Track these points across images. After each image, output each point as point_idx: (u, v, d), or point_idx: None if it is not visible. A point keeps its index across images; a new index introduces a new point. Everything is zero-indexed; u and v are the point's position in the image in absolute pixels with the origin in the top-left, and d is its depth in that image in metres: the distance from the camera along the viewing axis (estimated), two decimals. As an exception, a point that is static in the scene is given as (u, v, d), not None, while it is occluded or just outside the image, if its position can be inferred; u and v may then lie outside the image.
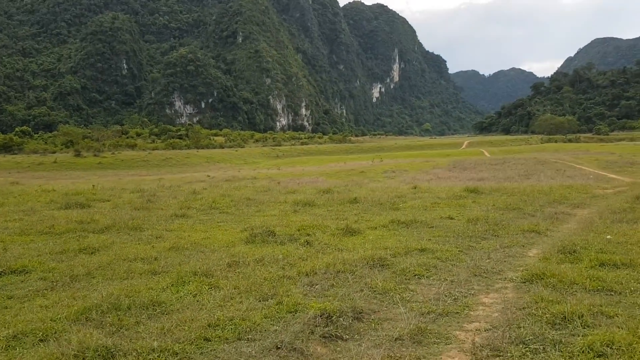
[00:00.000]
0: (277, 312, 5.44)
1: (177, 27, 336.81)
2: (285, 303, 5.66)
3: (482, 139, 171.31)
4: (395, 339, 4.68)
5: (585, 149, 76.11)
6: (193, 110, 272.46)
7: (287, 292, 6.10)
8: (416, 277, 6.90)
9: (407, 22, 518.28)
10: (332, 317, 5.04)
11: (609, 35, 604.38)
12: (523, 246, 8.82)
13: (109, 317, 5.27)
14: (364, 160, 69.56)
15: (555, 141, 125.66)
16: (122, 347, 4.39)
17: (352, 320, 5.10)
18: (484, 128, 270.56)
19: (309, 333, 4.76)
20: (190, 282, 6.66)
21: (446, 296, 5.98)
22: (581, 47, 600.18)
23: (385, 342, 4.66)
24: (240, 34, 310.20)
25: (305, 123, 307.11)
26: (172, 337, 4.70)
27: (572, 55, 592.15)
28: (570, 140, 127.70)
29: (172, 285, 6.60)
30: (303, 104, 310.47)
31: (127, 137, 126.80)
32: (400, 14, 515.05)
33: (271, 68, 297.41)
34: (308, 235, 10.28)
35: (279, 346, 4.47)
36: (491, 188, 19.62)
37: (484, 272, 7.03)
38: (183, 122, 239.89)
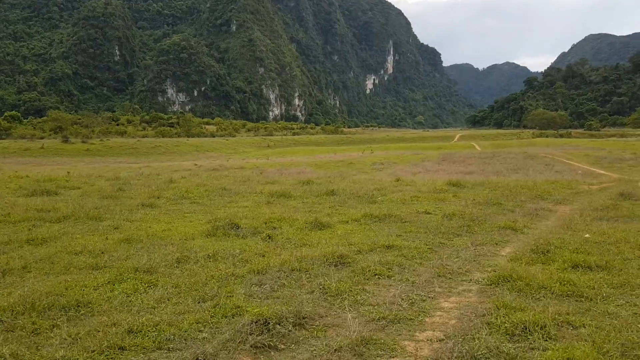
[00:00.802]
0: (212, 316, 4.93)
1: (170, 14, 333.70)
2: (223, 306, 5.15)
3: (474, 132, 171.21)
4: (335, 350, 4.18)
5: (576, 144, 76.02)
6: (185, 98, 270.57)
7: (229, 293, 5.58)
8: (376, 276, 6.42)
9: (403, 13, 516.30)
10: (269, 323, 4.52)
11: (603, 32, 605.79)
12: (496, 244, 8.36)
13: (22, 319, 4.75)
14: (354, 152, 69.07)
15: (547, 136, 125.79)
16: (22, 357, 3.87)
17: (292, 327, 4.60)
18: (476, 122, 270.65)
19: (239, 342, 4.26)
20: (129, 280, 6.14)
21: (403, 299, 5.50)
22: (575, 42, 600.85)
23: (323, 353, 4.17)
24: (235, 22, 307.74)
25: (298, 113, 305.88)
26: (83, 345, 4.19)
27: (566, 50, 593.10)
28: (561, 136, 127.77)
29: (109, 282, 6.08)
30: (296, 94, 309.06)
31: (118, 124, 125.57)
32: (395, 6, 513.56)
33: (265, 57, 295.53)
34: (274, 228, 9.79)
35: (198, 358, 3.96)
36: (475, 182, 19.18)
37: (450, 273, 6.56)
38: (175, 110, 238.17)
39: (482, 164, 40.48)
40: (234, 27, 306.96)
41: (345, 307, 5.22)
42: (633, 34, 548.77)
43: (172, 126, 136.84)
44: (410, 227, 9.91)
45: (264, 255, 7.38)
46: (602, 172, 32.84)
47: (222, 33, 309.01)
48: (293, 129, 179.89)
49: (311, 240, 8.56)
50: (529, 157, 46.31)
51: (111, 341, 4.27)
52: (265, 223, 10.24)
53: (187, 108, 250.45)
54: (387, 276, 6.45)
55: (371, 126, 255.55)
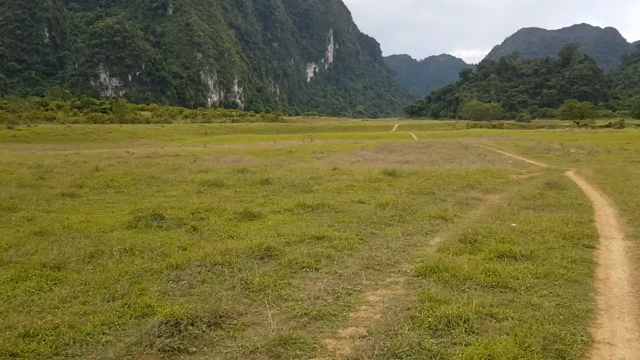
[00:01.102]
0: (120, 317, 4.54)
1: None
2: (133, 305, 4.77)
3: (412, 122, 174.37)
4: (250, 352, 3.90)
5: (508, 135, 78.87)
6: (119, 83, 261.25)
7: (142, 291, 5.19)
8: (303, 269, 6.19)
9: (343, 3, 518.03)
10: (180, 324, 4.19)
11: (535, 26, 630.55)
12: (426, 234, 8.32)
13: None
14: (294, 140, 68.79)
15: (480, 127, 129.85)
16: None
17: (206, 327, 4.27)
18: (414, 112, 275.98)
19: (145, 346, 3.91)
20: (33, 277, 5.63)
21: (328, 293, 5.29)
22: (508, 36, 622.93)
23: (237, 355, 3.88)
24: (171, 5, 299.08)
25: (238, 100, 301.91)
26: (-35, 353, 3.73)
27: (499, 44, 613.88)
28: (494, 126, 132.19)
29: (11, 280, 5.55)
30: (235, 81, 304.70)
31: (47, 110, 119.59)
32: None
33: (203, 42, 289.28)
34: (201, 219, 9.39)
35: (98, 365, 3.60)
36: (410, 171, 19.36)
37: (378, 264, 6.42)
38: (108, 95, 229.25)
39: (418, 153, 41.17)
40: (170, 11, 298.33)
41: (267, 304, 4.95)
42: (562, 28, 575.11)
43: (105, 112, 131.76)
44: (343, 217, 9.75)
45: (185, 249, 7.00)
46: (532, 161, 34.03)
47: (158, 17, 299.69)
48: (232, 116, 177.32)
49: (239, 232, 8.23)
50: (463, 147, 47.52)
51: (2, 347, 3.82)
52: (193, 214, 9.82)
53: (121, 93, 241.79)
54: (315, 269, 6.23)
55: (312, 115, 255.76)
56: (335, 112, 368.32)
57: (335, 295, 5.25)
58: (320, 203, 10.87)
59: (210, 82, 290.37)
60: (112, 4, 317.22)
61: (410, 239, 7.92)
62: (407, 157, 37.00)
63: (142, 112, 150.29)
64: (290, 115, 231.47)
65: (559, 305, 4.93)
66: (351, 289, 5.45)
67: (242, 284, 5.47)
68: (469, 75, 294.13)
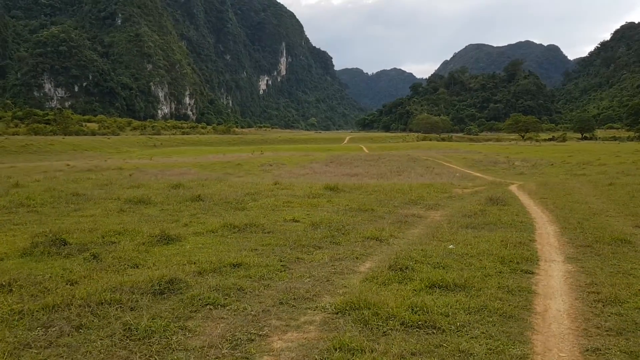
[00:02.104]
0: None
1: (49, 3, 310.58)
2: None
3: (363, 135, 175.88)
4: None
5: (456, 147, 79.98)
6: (65, 94, 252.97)
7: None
8: (207, 307, 5.35)
9: (295, 16, 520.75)
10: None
11: (482, 42, 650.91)
12: (357, 258, 7.61)
13: None
14: (244, 153, 67.72)
15: (430, 139, 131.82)
16: None
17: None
18: (366, 124, 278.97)
19: None
20: None
21: (227, 340, 4.47)
22: (456, 51, 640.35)
23: None
24: (120, 15, 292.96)
25: (189, 112, 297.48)
26: None
27: (448, 59, 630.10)
28: (443, 139, 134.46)
29: None
30: (187, 93, 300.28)
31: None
32: (288, 8, 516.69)
33: (153, 53, 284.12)
34: (110, 243, 8.41)
35: None
36: (352, 185, 18.75)
37: (295, 298, 5.65)
38: (53, 106, 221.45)
39: (367, 166, 40.93)
40: (119, 21, 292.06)
41: (148, 357, 4.09)
42: (508, 45, 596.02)
43: (49, 123, 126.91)
44: (270, 238, 8.95)
45: (75, 283, 6.03)
46: (478, 174, 34.21)
47: (106, 27, 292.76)
48: (183, 128, 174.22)
49: (147, 260, 7.30)
50: (411, 160, 47.66)
51: None
52: (103, 237, 8.81)
53: (66, 104, 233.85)
54: (222, 305, 5.40)
55: (264, 127, 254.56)
56: (288, 124, 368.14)
57: (235, 342, 4.43)
58: (249, 223, 10.04)
59: (161, 94, 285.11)
60: (57, 13, 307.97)
61: (339, 264, 7.19)
62: (356, 170, 36.65)
63: (88, 124, 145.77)
64: (242, 127, 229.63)
65: (490, 350, 4.27)
66: (255, 334, 4.64)
67: (124, 330, 4.58)
68: (419, 89, 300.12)
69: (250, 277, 6.43)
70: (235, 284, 6.02)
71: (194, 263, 7.06)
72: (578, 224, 10.59)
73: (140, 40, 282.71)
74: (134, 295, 5.55)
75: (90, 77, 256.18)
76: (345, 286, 6.09)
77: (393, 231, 9.85)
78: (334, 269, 6.97)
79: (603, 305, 5.41)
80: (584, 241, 8.78)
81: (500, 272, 6.63)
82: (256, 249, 8.07)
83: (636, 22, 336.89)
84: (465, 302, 5.37)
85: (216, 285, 5.93)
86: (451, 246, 8.23)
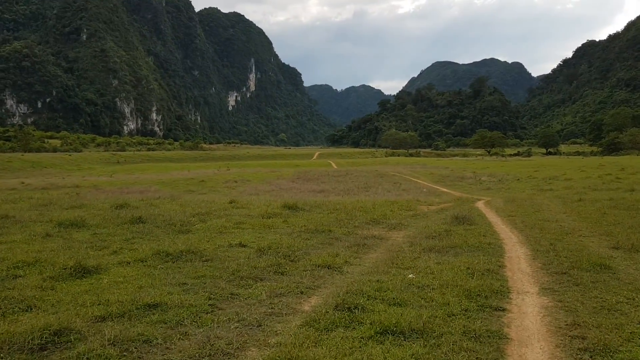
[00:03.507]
0: None
1: (11, 18, 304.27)
2: None
3: (332, 150, 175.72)
4: None
5: (423, 163, 79.93)
6: (28, 110, 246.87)
7: None
8: (94, 371, 4.17)
9: (264, 33, 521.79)
10: None
11: (448, 60, 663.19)
12: (302, 293, 6.50)
13: None
14: (210, 169, 66.25)
15: (398, 155, 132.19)
16: None
17: None
18: (335, 140, 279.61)
19: None
20: None
21: None
22: (423, 68, 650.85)
23: None
24: (85, 31, 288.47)
25: (156, 128, 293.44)
26: None
27: (415, 76, 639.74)
28: (411, 155, 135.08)
29: None
30: (154, 109, 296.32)
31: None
32: (257, 25, 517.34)
33: (119, 69, 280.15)
34: (16, 277, 7.12)
35: None
36: (314, 203, 17.67)
37: (213, 354, 4.50)
38: (15, 122, 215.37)
39: (335, 182, 40.07)
40: (84, 36, 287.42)
41: None
42: (473, 62, 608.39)
43: (9, 140, 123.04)
44: (207, 268, 7.78)
45: None
46: (445, 190, 33.64)
47: (71, 42, 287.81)
48: (149, 144, 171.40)
49: (46, 300, 6.04)
50: (379, 176, 47.01)
51: None
52: (8, 269, 7.51)
53: (29, 121, 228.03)
54: (116, 367, 4.23)
55: (233, 143, 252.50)
56: (258, 140, 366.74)
57: None
58: (186, 249, 8.84)
59: (127, 110, 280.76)
60: (20, 28, 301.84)
61: (278, 302, 6.06)
62: (323, 186, 35.75)
63: (50, 141, 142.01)
64: (211, 143, 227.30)
65: None
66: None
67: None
68: (388, 106, 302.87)
69: (165, 323, 5.25)
70: (141, 335, 4.84)
71: (102, 304, 5.85)
72: (550, 245, 9.71)
73: (105, 55, 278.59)
74: (4, 353, 4.33)
75: (54, 93, 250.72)
76: (278, 333, 4.97)
77: (349, 256, 8.79)
78: (272, 308, 5.84)
79: (590, 356, 4.42)
80: (559, 267, 7.85)
81: (466, 311, 5.60)
82: (185, 283, 6.88)
83: (597, 40, 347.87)
84: (423, 356, 4.31)
85: (116, 336, 4.73)
86: (411, 275, 7.20)
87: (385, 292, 6.27)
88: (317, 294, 6.49)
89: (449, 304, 5.78)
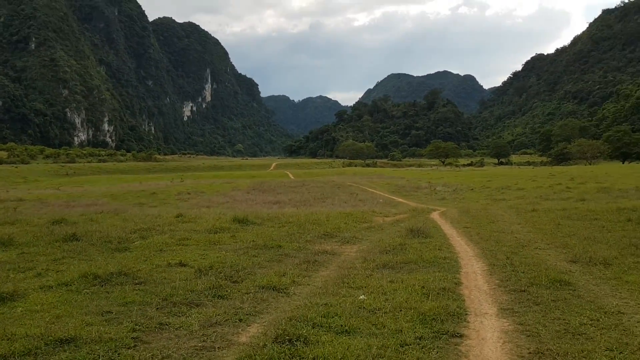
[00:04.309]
0: None
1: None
2: None
3: (290, 161, 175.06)
4: None
5: (380, 173, 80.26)
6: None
7: None
8: None
9: (220, 43, 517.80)
10: None
11: (403, 72, 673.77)
12: (241, 320, 5.84)
13: None
14: (164, 181, 64.50)
15: (355, 165, 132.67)
16: None
17: None
18: (293, 151, 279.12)
19: None
20: None
21: None
22: (379, 80, 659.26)
23: None
24: (34, 39, 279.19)
25: (108, 139, 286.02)
26: None
27: (371, 87, 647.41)
28: (368, 165, 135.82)
29: None
30: (106, 119, 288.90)
31: None
32: (213, 35, 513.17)
33: (69, 79, 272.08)
34: None
35: None
36: (266, 216, 16.99)
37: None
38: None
39: (291, 192, 39.50)
40: (33, 45, 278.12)
41: None
42: (427, 74, 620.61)
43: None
44: (137, 293, 7.01)
45: None
46: (401, 200, 33.49)
47: (18, 50, 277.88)
48: (100, 155, 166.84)
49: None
50: (336, 186, 46.68)
51: None
52: None
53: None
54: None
55: (188, 154, 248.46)
56: (214, 151, 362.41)
57: None
58: (118, 271, 8.02)
59: (78, 120, 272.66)
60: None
61: (212, 333, 5.38)
62: (279, 197, 35.12)
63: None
64: (165, 154, 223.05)
65: None
66: None
67: None
68: (344, 116, 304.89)
69: (74, 365, 4.51)
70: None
71: (5, 339, 5.04)
72: (507, 259, 9.34)
73: (55, 65, 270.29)
74: None
75: (1, 103, 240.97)
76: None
77: (297, 275, 8.17)
78: (204, 341, 5.16)
79: (559, 393, 3.94)
80: (517, 284, 7.43)
81: (420, 339, 5.05)
82: (109, 312, 6.10)
83: (545, 53, 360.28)
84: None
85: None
86: (362, 297, 6.64)
87: (333, 317, 5.67)
88: (258, 321, 5.84)
89: (401, 331, 5.23)
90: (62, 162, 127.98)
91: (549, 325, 5.48)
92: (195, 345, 5.01)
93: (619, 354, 4.62)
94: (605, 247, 10.36)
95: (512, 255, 9.79)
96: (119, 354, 4.78)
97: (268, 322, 5.71)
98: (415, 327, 5.35)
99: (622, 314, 5.90)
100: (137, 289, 7.28)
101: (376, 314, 5.88)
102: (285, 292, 7.15)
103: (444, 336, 5.18)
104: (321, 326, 5.37)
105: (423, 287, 7.07)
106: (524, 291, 6.98)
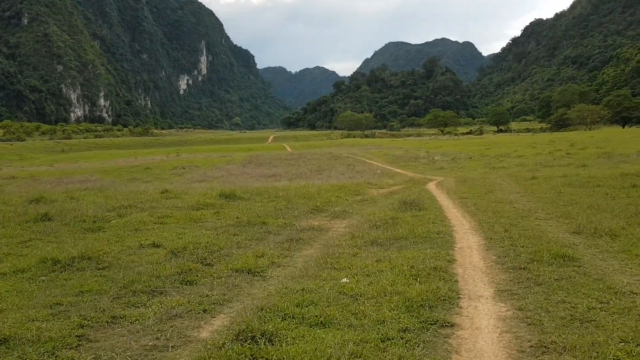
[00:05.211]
0: None
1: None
2: None
3: (288, 133, 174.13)
4: None
5: (378, 144, 79.52)
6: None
7: None
8: None
9: (214, 14, 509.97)
10: None
11: (401, 40, 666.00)
12: (205, 311, 5.17)
13: None
14: (159, 155, 63.81)
15: (354, 137, 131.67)
16: None
17: None
18: (291, 123, 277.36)
19: None
20: None
21: None
22: (377, 49, 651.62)
23: None
24: (26, 15, 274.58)
25: (105, 114, 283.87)
26: None
27: (369, 57, 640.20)
28: (366, 136, 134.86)
29: None
30: (101, 94, 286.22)
31: None
32: (207, 6, 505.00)
33: (63, 54, 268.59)
34: None
35: None
36: (254, 191, 16.30)
37: None
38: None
39: (287, 165, 38.88)
40: (25, 21, 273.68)
41: None
42: (425, 42, 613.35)
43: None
44: (96, 280, 6.35)
45: None
46: (399, 170, 32.84)
47: (11, 27, 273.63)
48: (97, 131, 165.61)
49: None
50: (333, 158, 46.02)
51: None
52: None
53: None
54: None
55: (185, 127, 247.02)
56: (212, 124, 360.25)
57: None
58: (81, 255, 7.35)
59: (73, 96, 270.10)
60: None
61: (169, 327, 4.72)
62: (275, 170, 34.51)
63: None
64: (163, 128, 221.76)
65: None
66: None
67: None
68: (342, 87, 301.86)
69: (2, 369, 3.87)
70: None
71: None
72: (505, 232, 8.67)
73: (49, 40, 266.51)
74: None
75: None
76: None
77: (277, 256, 7.51)
78: (158, 337, 4.50)
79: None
80: (517, 260, 6.75)
81: (404, 331, 4.37)
82: (59, 304, 5.44)
83: (544, 18, 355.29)
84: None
85: None
86: (344, 280, 5.97)
87: (308, 307, 5.00)
88: (225, 311, 5.18)
89: (384, 322, 4.56)
90: (59, 139, 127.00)
91: (553, 311, 4.81)
92: (146, 345, 4.34)
93: (636, 346, 3.95)
94: (610, 217, 9.69)
95: (511, 227, 9.12)
96: (56, 356, 4.13)
97: (236, 313, 5.05)
98: (400, 317, 4.67)
99: (635, 294, 5.23)
100: (98, 275, 6.61)
101: (358, 300, 5.21)
102: (261, 276, 6.48)
103: (432, 327, 4.51)
104: (293, 318, 4.70)
105: (412, 267, 6.39)
106: (524, 269, 6.31)
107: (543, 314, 4.73)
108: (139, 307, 5.33)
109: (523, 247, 7.46)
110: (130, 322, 4.89)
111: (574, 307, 4.87)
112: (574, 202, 11.82)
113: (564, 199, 12.50)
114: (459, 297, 5.34)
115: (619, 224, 8.82)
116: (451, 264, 6.72)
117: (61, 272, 6.79)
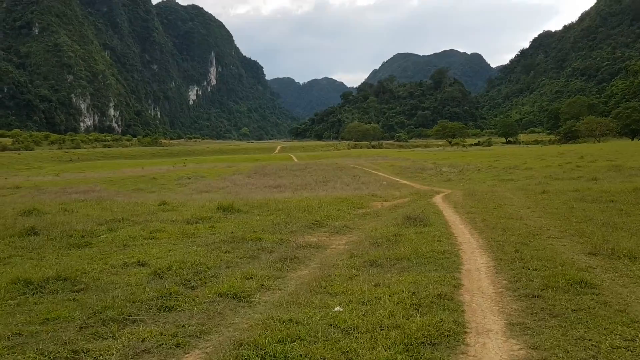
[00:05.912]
0: None
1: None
2: None
3: (295, 144, 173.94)
4: None
5: (385, 154, 78.88)
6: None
7: None
8: None
9: (224, 26, 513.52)
10: None
11: (409, 51, 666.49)
12: (178, 345, 4.61)
13: None
14: (166, 165, 63.57)
15: (361, 147, 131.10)
16: None
17: None
18: (299, 133, 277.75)
19: None
20: None
21: None
22: (385, 60, 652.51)
23: None
24: (37, 24, 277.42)
25: (115, 124, 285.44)
26: None
27: (377, 68, 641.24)
28: (373, 147, 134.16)
29: None
30: (111, 104, 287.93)
31: None
32: (217, 18, 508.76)
33: (74, 64, 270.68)
34: None
35: None
36: (254, 203, 15.75)
37: None
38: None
39: (293, 176, 38.50)
40: (36, 30, 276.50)
41: None
42: (433, 54, 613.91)
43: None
44: (67, 305, 5.80)
45: None
46: (406, 182, 32.26)
47: (22, 36, 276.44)
48: (106, 141, 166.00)
49: None
50: (338, 169, 45.54)
51: None
52: None
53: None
54: None
55: (194, 138, 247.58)
56: (220, 135, 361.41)
57: None
58: (56, 275, 6.80)
59: (83, 106, 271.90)
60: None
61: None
62: (280, 181, 34.14)
63: (0, 139, 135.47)
64: (172, 138, 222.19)
65: None
66: None
67: None
68: (350, 98, 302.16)
69: None
70: None
71: None
72: (516, 252, 8.05)
73: (59, 50, 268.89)
74: None
75: (5, 90, 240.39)
76: None
77: (267, 278, 6.93)
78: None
79: None
80: (529, 286, 6.13)
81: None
82: (19, 334, 4.89)
83: (553, 30, 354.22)
84: None
85: None
86: (338, 308, 5.39)
87: (293, 343, 4.41)
88: (200, 346, 4.61)
89: (378, 363, 3.97)
90: (67, 148, 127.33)
91: (572, 350, 4.19)
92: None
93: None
94: (627, 236, 9.06)
95: (522, 246, 8.50)
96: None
97: (212, 348, 4.47)
98: (397, 358, 4.08)
99: (663, 330, 4.61)
100: (70, 299, 6.06)
101: (350, 335, 4.61)
102: (247, 301, 5.91)
103: (434, 373, 3.92)
104: (274, 357, 4.12)
105: (413, 293, 5.79)
106: (538, 297, 5.70)
107: (561, 355, 4.12)
108: (106, 338, 4.77)
109: (536, 270, 6.84)
110: (93, 359, 4.32)
111: (595, 346, 4.25)
112: (587, 219, 11.18)
113: (577, 215, 11.86)
114: (465, 332, 4.73)
115: (638, 244, 8.19)
116: (457, 290, 6.11)
117: (32, 294, 6.26)
